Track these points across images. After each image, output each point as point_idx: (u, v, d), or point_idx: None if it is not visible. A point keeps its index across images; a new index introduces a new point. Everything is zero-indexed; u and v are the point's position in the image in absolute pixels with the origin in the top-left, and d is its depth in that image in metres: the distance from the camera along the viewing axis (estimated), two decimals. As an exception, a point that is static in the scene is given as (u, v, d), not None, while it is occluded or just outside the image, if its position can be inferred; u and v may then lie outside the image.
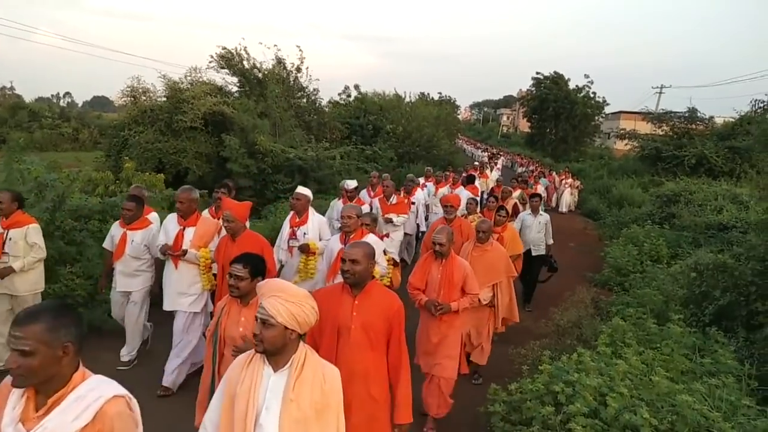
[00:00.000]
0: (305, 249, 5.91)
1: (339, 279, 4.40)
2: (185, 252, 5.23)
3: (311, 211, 6.20)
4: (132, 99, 18.41)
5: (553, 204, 22.69)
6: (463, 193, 11.56)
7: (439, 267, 4.88)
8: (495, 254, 5.89)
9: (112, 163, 16.80)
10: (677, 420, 3.73)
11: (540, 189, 17.15)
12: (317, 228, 6.14)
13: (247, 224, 5.28)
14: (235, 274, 3.52)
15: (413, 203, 9.96)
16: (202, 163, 17.21)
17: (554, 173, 25.90)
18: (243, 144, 16.38)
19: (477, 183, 16.11)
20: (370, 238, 5.23)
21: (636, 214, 16.42)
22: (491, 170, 20.66)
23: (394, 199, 8.71)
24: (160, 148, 16.87)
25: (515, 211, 9.65)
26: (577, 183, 23.98)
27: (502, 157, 35.84)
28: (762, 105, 7.20)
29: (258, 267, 3.59)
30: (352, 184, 8.29)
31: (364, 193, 9.34)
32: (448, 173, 15.10)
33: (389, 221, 8.44)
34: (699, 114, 25.42)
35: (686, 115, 25.53)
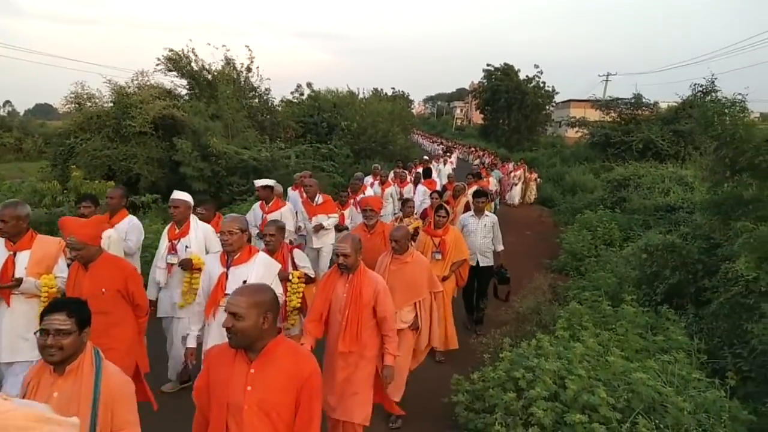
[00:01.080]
0: (187, 265, 5.03)
1: (221, 312, 3.82)
2: (19, 282, 4.15)
3: (193, 219, 5.34)
4: (77, 105, 17.83)
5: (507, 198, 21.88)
6: (420, 190, 11.48)
7: (345, 284, 3.96)
8: (415, 267, 4.94)
9: (58, 172, 16.24)
10: (633, 397, 3.85)
11: (492, 183, 15.74)
12: (201, 239, 5.28)
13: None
14: (55, 328, 2.45)
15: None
16: (154, 168, 16.83)
17: (511, 164, 24.34)
18: (195, 147, 16.10)
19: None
20: (259, 260, 4.20)
21: (589, 199, 16.82)
22: (444, 164, 19.72)
23: (319, 199, 7.75)
24: (109, 155, 16.40)
25: (466, 210, 8.62)
26: (535, 176, 22.89)
27: (456, 151, 35.65)
28: (701, 89, 7.49)
29: (84, 315, 2.57)
30: (261, 182, 7.23)
31: (294, 195, 8.48)
32: (411, 167, 14.55)
33: (320, 228, 7.59)
34: (644, 100, 26.16)
35: (632, 101, 26.24)
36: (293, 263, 4.94)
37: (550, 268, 10.83)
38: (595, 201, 15.91)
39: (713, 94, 7.40)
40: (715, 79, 7.50)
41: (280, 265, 4.42)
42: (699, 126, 7.50)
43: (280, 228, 4.93)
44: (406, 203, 7.81)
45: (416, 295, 4.95)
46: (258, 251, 4.28)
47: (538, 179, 23.46)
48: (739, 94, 7.15)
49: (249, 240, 4.34)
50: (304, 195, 7.91)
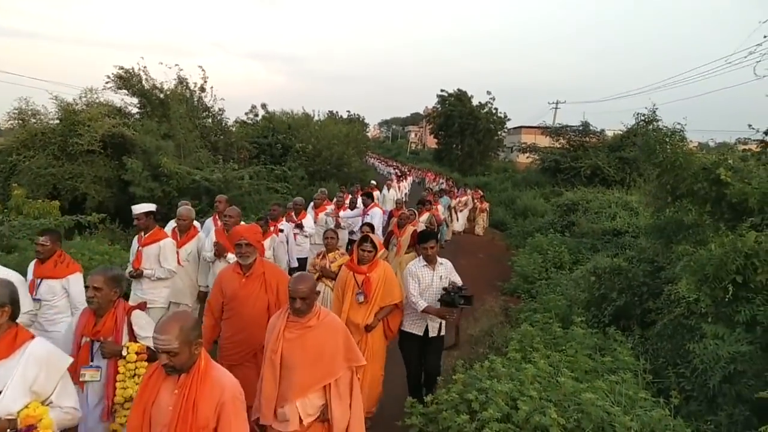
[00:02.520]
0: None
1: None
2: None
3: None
4: (20, 122, 17.23)
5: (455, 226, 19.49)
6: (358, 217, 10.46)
7: (173, 389, 2.67)
8: (324, 333, 3.51)
9: (-2, 190, 15.60)
10: (583, 417, 3.93)
11: (440, 210, 14.71)
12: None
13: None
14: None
15: (281, 231, 8.10)
16: (101, 188, 16.36)
17: (465, 190, 23.30)
18: (146, 167, 15.75)
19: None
20: (30, 351, 2.71)
21: (539, 223, 17.22)
22: (389, 189, 17.83)
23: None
24: (54, 173, 15.87)
25: (414, 242, 7.47)
26: (486, 206, 21.04)
27: (410, 176, 35.28)
28: (644, 118, 7.85)
29: None
30: (140, 207, 5.86)
31: (208, 224, 7.30)
32: (354, 190, 13.74)
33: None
34: (591, 127, 27.17)
35: (580, 128, 27.20)
36: (131, 331, 3.54)
37: (502, 290, 10.98)
38: (546, 225, 16.29)
39: (655, 123, 7.75)
40: (656, 109, 7.90)
41: (68, 360, 2.91)
42: (642, 153, 7.82)
43: (110, 279, 3.48)
44: (326, 233, 6.42)
45: (326, 376, 3.52)
46: (30, 338, 2.78)
47: (488, 208, 21.45)
48: (678, 123, 7.50)
49: (120, 296, 3.52)
50: (218, 223, 6.85)
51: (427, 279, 5.39)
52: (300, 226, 8.61)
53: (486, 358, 5.29)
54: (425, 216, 11.36)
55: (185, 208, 6.46)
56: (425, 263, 5.43)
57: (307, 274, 3.63)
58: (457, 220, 19.22)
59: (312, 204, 10.18)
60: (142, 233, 5.82)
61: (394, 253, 7.93)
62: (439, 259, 5.49)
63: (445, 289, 5.28)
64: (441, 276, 5.43)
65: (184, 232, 6.31)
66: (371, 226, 7.51)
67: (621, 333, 6.27)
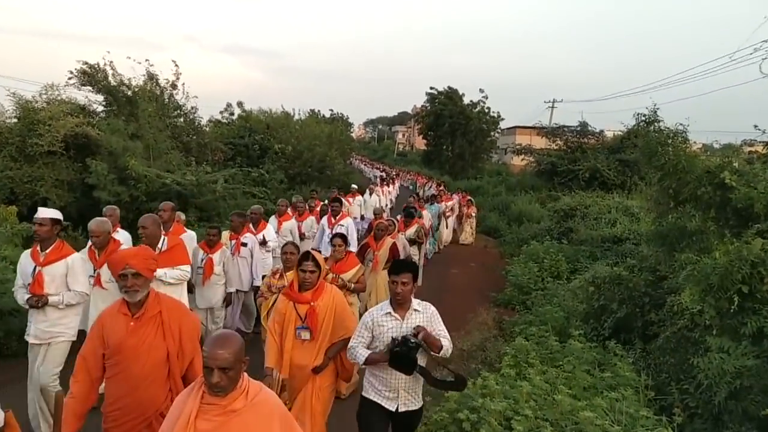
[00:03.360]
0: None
1: None
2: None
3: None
4: (-26, 121, 17.03)
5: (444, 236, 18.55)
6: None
7: None
8: (254, 419, 2.59)
9: (-50, 195, 15.38)
10: (581, 437, 3.95)
11: (426, 218, 13.90)
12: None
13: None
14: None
15: (244, 245, 7.75)
16: (63, 192, 16.18)
17: (455, 195, 22.10)
18: (112, 169, 15.61)
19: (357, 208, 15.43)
20: None
21: (535, 230, 17.32)
22: (370, 194, 17.33)
23: (164, 244, 5.75)
24: (11, 177, 15.67)
25: (393, 257, 7.34)
26: (473, 210, 19.95)
27: (398, 180, 34.24)
28: (644, 118, 7.91)
29: None
30: (45, 212, 5.05)
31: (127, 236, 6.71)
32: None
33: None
34: (590, 128, 27.44)
35: (578, 129, 27.44)
36: None
37: (496, 301, 11.03)
38: (542, 231, 16.39)
39: (656, 123, 7.81)
40: (658, 108, 7.95)
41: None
42: (643, 156, 7.89)
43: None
44: (284, 248, 5.74)
45: None
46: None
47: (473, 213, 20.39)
48: (681, 124, 7.58)
49: None
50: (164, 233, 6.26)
51: (391, 333, 3.86)
52: (263, 242, 8.12)
53: (478, 375, 5.31)
54: (413, 228, 10.86)
55: (96, 221, 5.57)
56: (391, 309, 3.93)
57: (230, 334, 2.67)
58: (446, 227, 18.19)
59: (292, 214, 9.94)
60: (39, 247, 4.92)
61: (369, 269, 7.51)
62: (416, 304, 3.99)
63: (401, 339, 3.77)
64: (413, 328, 3.86)
65: (102, 249, 5.53)
66: (343, 238, 6.55)
67: (621, 347, 6.32)
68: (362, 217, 15.51)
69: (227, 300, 7.28)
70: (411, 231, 10.78)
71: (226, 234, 7.74)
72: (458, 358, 6.99)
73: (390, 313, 3.93)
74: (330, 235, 7.97)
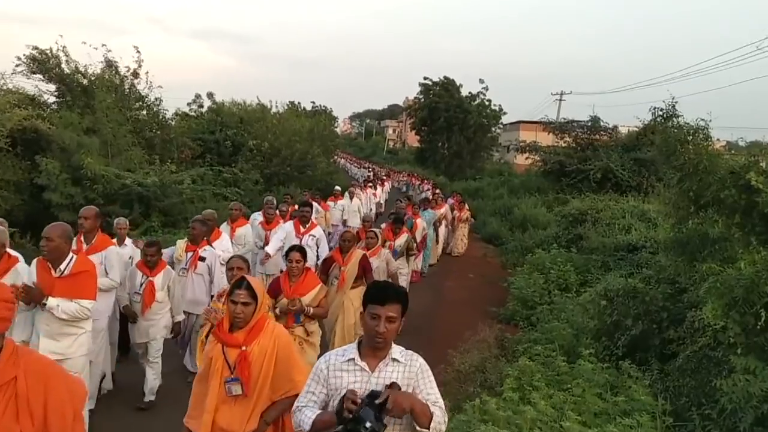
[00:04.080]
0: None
1: None
2: None
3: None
4: None
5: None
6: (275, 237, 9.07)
7: None
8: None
9: None
10: (591, 469, 3.97)
11: (419, 227, 13.10)
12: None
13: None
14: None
15: (202, 259, 7.30)
16: (9, 194, 16.03)
17: (452, 198, 20.96)
18: (65, 168, 15.54)
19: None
20: None
21: (541, 237, 17.37)
22: (351, 199, 16.85)
23: (66, 266, 5.08)
24: (-51, 177, 15.57)
25: (364, 273, 7.28)
26: (467, 214, 19.16)
27: (388, 181, 34.01)
28: (662, 113, 7.92)
29: None
30: None
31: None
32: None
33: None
34: (602, 123, 27.50)
35: (589, 124, 27.52)
36: None
37: (497, 317, 11.05)
38: (548, 239, 16.44)
39: (675, 119, 7.84)
40: (677, 102, 7.98)
41: None
42: (661, 154, 7.94)
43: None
44: (230, 262, 5.27)
45: None
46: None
47: (470, 219, 20.04)
48: (702, 119, 7.62)
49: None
50: (83, 245, 6.10)
51: (355, 387, 2.90)
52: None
53: (477, 399, 5.32)
54: (401, 238, 10.55)
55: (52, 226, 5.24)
56: (357, 355, 2.99)
57: None
58: (436, 241, 16.59)
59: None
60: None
61: (335, 288, 7.14)
62: (397, 352, 3.03)
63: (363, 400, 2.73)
64: (387, 385, 2.87)
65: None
66: (301, 252, 5.97)
67: (637, 367, 6.34)
68: (344, 224, 15.38)
69: (175, 330, 6.79)
70: (400, 241, 10.51)
71: (181, 244, 7.41)
72: (455, 380, 7.00)
73: (354, 360, 2.96)
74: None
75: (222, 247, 7.91)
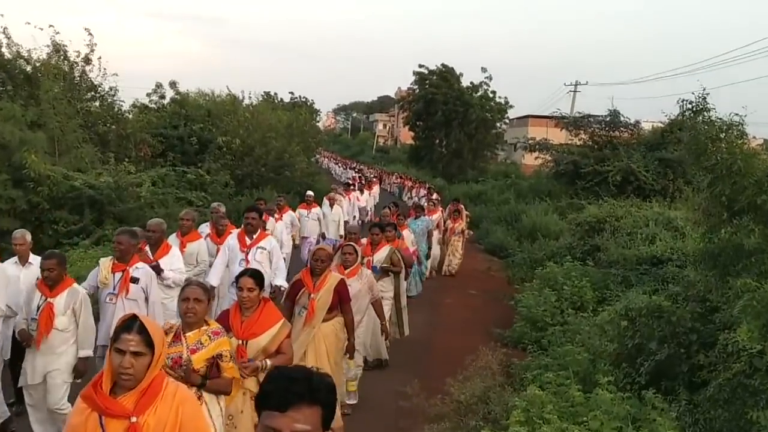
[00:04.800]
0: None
1: None
2: None
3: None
4: None
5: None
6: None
7: None
8: None
9: None
10: None
11: (407, 239, 12.42)
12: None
13: None
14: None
15: (134, 281, 6.72)
16: (-64, 199, 15.97)
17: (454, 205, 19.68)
18: (5, 168, 15.45)
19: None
20: None
21: (553, 248, 17.38)
22: (331, 206, 16.38)
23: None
24: None
25: (340, 302, 6.77)
26: (461, 224, 18.07)
27: (376, 186, 32.35)
28: (690, 106, 7.93)
29: None
30: None
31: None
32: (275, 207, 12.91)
33: None
34: (623, 118, 27.59)
35: (608, 119, 27.61)
36: None
37: (502, 340, 11.04)
38: (561, 250, 16.46)
39: (705, 113, 7.85)
40: (707, 94, 7.98)
41: None
42: (689, 154, 7.97)
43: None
44: (185, 292, 4.60)
45: None
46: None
47: (467, 232, 19.17)
48: (737, 114, 7.64)
49: None
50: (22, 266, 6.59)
51: None
52: (157, 270, 7.21)
53: (479, 434, 5.31)
54: (382, 251, 9.60)
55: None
56: None
57: None
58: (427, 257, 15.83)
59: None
60: None
61: (301, 321, 6.50)
62: None
63: None
64: None
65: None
66: (257, 278, 5.25)
67: (662, 398, 6.34)
68: (323, 237, 15.02)
69: (78, 369, 6.11)
70: (381, 254, 9.51)
71: (106, 263, 6.85)
72: (454, 413, 6.99)
73: None
74: (239, 269, 7.05)
75: (172, 264, 7.54)
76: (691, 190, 17.19)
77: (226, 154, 23.74)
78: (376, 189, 31.17)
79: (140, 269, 6.72)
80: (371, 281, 7.86)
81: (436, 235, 16.77)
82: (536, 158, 31.53)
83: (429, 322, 12.16)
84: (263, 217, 11.38)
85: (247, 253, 8.27)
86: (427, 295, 14.47)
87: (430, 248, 15.54)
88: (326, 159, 65.53)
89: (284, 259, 11.48)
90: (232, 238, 8.60)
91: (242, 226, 8.76)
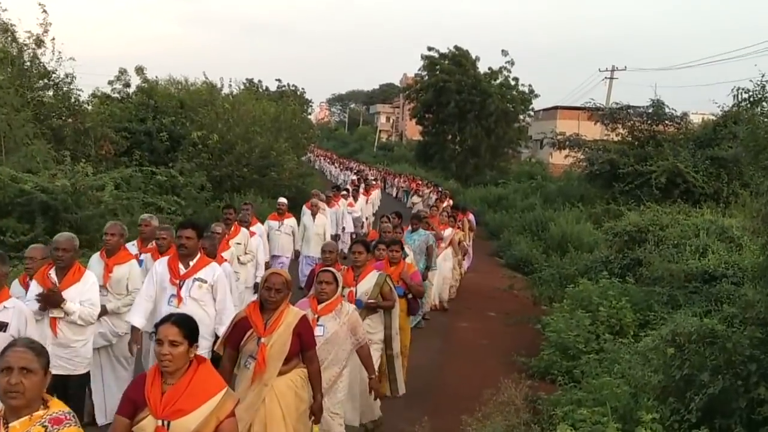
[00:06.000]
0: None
1: None
2: None
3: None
4: None
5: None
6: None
7: None
8: None
9: None
10: None
11: (410, 260, 10.78)
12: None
13: None
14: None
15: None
16: None
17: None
18: (-58, 168, 15.52)
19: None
20: None
21: (586, 262, 17.37)
22: (313, 217, 15.41)
23: None
24: None
25: (302, 349, 5.84)
26: (457, 234, 16.95)
27: (376, 190, 31.94)
28: (747, 96, 7.88)
29: None
30: None
31: None
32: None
33: None
34: (667, 110, 27.57)
35: (650, 111, 27.58)
36: None
37: (527, 370, 11.04)
38: (596, 264, 16.45)
39: (765, 104, 7.82)
40: (767, 82, 7.92)
41: None
42: (746, 151, 7.97)
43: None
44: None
45: None
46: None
47: (463, 243, 18.12)
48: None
49: None
50: None
51: None
52: (53, 300, 6.61)
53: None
54: (369, 279, 8.29)
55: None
56: None
57: None
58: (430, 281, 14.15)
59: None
60: None
61: (248, 376, 5.72)
62: None
63: None
64: None
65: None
66: (181, 324, 4.29)
67: (716, 438, 6.34)
68: (296, 255, 14.53)
69: None
70: (366, 284, 8.21)
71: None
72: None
73: None
74: (168, 310, 6.47)
75: (84, 295, 6.85)
76: (749, 194, 17.19)
77: (202, 152, 23.75)
78: (375, 194, 30.89)
79: (9, 309, 5.80)
80: (354, 320, 6.76)
81: (446, 255, 15.57)
82: (566, 157, 31.53)
83: (441, 349, 12.16)
84: (233, 229, 11.10)
85: (180, 287, 7.07)
86: (439, 318, 14.45)
87: (427, 268, 13.55)
88: (320, 158, 65.60)
89: (252, 288, 11.20)
90: (160, 264, 7.37)
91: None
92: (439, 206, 20.24)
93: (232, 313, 6.90)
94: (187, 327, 4.26)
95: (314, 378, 5.86)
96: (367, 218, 25.02)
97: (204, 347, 6.33)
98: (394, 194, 41.40)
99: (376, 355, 7.80)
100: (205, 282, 7.18)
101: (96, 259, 7.94)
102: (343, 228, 19.37)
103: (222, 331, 6.62)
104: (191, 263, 7.21)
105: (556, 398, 8.84)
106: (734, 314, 8.64)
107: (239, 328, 5.81)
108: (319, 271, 7.03)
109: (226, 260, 9.05)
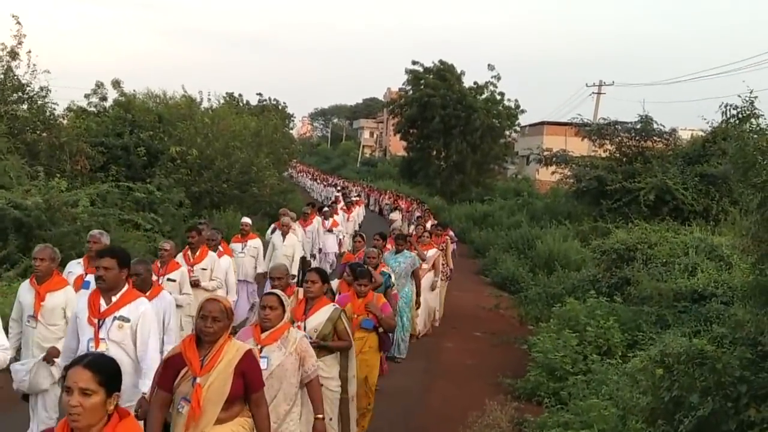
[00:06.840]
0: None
1: None
2: None
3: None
4: None
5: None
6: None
7: None
8: None
9: None
10: None
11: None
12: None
13: None
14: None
15: None
16: None
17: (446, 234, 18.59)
18: None
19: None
20: None
21: (573, 281, 17.40)
22: (284, 238, 14.58)
23: None
24: None
25: (249, 384, 5.14)
26: (438, 256, 15.64)
27: (359, 207, 31.08)
28: (735, 112, 7.93)
29: None
30: None
31: None
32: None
33: None
34: (656, 125, 27.71)
35: (638, 126, 27.73)
36: None
37: (513, 391, 11.04)
38: (584, 283, 16.49)
39: (754, 120, 7.88)
40: (756, 97, 7.99)
41: None
42: (735, 168, 8.01)
43: None
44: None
45: None
46: None
47: (447, 267, 17.27)
48: (792, 120, 7.70)
49: None
50: None
51: None
52: None
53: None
54: (321, 313, 7.25)
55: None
56: None
57: None
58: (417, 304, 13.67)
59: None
60: None
61: (181, 423, 4.98)
62: None
63: None
64: None
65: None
66: (101, 373, 3.42)
67: (706, 462, 6.35)
68: (259, 280, 13.66)
69: None
70: (317, 320, 7.21)
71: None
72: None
73: None
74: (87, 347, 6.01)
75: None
76: (739, 212, 17.29)
77: (181, 168, 23.69)
78: (357, 211, 29.87)
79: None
80: (303, 349, 6.04)
81: (428, 278, 14.74)
82: (553, 173, 31.64)
83: (426, 369, 12.14)
84: (199, 253, 10.67)
85: (99, 326, 6.18)
86: (423, 339, 14.43)
87: (418, 294, 13.20)
88: (302, 174, 65.61)
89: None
90: (81, 299, 6.52)
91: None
92: (423, 224, 19.47)
93: (156, 360, 6.06)
94: (104, 372, 3.44)
95: (262, 426, 5.09)
96: (344, 237, 22.59)
97: (129, 399, 5.74)
98: (383, 213, 41.25)
99: (329, 400, 6.96)
100: (127, 321, 6.22)
101: (26, 287, 7.23)
102: (320, 249, 18.72)
103: (146, 386, 5.91)
104: (114, 298, 6.25)
105: (542, 420, 8.85)
106: (724, 334, 8.66)
107: (172, 365, 5.09)
108: (263, 295, 6.49)
109: (163, 289, 7.91)
